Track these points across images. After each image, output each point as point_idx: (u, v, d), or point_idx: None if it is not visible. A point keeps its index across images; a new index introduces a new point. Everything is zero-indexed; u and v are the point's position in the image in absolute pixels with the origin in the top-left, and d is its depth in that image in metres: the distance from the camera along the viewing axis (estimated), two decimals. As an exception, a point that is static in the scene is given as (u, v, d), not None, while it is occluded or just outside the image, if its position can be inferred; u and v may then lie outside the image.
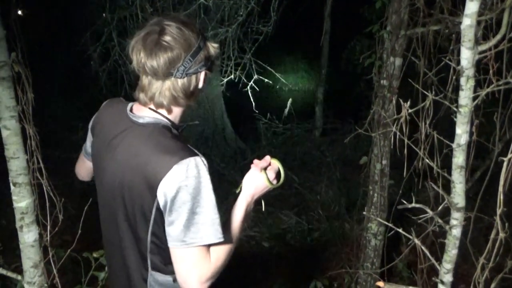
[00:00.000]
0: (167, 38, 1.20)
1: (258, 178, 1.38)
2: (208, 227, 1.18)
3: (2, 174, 1.76)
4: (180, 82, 1.23)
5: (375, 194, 2.95)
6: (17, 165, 1.65)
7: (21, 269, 1.82)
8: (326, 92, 7.66)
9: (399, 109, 2.48)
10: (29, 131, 1.66)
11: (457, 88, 1.53)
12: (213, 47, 1.32)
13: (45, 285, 1.81)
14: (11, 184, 1.68)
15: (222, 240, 1.20)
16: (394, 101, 2.77)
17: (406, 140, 1.37)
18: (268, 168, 1.41)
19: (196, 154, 1.20)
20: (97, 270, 2.23)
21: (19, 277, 1.80)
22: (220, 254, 1.25)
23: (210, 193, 1.19)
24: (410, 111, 1.34)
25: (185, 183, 1.15)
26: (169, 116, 1.29)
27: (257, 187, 1.38)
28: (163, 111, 1.28)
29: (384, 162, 2.89)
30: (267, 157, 1.41)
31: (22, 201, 1.68)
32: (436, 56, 2.54)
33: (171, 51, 1.19)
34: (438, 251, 1.81)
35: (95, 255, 2.23)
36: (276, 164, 1.44)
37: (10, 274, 1.80)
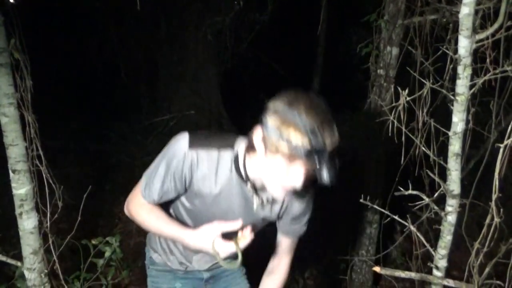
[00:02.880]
0: None
1: (206, 238, 1.29)
2: (145, 179, 1.40)
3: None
4: None
5: (371, 183, 2.98)
6: (16, 152, 1.65)
7: (20, 256, 1.84)
8: (322, 81, 7.65)
9: (396, 98, 2.51)
10: (28, 118, 1.66)
11: (453, 77, 1.54)
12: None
13: (45, 271, 1.83)
14: (10, 171, 1.68)
15: (142, 195, 1.40)
16: (391, 90, 2.78)
17: (403, 129, 1.39)
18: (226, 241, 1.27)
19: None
20: (96, 257, 2.25)
21: (19, 264, 1.82)
22: (137, 207, 1.43)
23: (166, 165, 1.33)
24: (408, 99, 1.35)
25: None
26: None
27: (197, 242, 1.31)
28: None
29: (380, 151, 2.91)
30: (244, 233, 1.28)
31: (21, 188, 1.69)
32: (433, 45, 2.55)
33: None
34: (432, 239, 1.84)
35: (93, 242, 2.25)
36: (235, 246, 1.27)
37: (10, 260, 1.82)
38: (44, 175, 1.73)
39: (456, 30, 2.18)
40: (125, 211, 1.48)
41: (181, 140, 1.32)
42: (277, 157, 1.16)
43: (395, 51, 2.75)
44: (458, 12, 2.20)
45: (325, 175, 1.10)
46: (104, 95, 6.53)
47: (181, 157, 1.30)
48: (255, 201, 1.38)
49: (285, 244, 1.62)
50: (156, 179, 1.36)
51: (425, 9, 2.43)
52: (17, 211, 1.72)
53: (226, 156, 1.34)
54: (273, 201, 1.42)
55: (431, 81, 1.37)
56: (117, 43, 6.34)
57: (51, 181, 1.73)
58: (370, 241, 3.05)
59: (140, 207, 1.42)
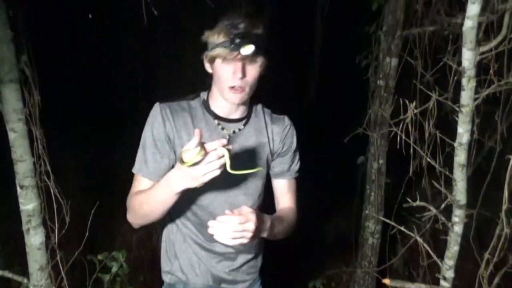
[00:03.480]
0: None
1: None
2: (137, 158, 1.45)
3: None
4: None
5: (372, 193, 3.00)
6: (24, 167, 1.65)
7: (26, 272, 1.82)
8: (318, 91, 7.71)
9: (395, 109, 2.53)
10: (36, 134, 1.66)
11: (457, 88, 1.57)
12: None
13: None
14: (17, 187, 1.68)
15: (134, 172, 1.44)
16: (390, 101, 2.81)
17: (412, 143, 1.41)
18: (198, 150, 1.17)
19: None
20: (102, 272, 2.23)
21: (25, 280, 1.80)
22: (138, 193, 1.41)
23: (145, 132, 1.43)
24: (416, 111, 1.37)
25: None
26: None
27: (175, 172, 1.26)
28: None
29: (381, 161, 2.93)
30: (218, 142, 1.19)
31: (29, 203, 1.68)
32: (432, 56, 2.59)
33: None
34: (430, 249, 1.84)
35: (99, 257, 2.23)
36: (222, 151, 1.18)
37: (15, 277, 1.80)
38: (52, 191, 1.73)
39: (456, 41, 2.23)
40: (127, 215, 1.47)
41: (153, 107, 1.44)
42: (216, 64, 1.34)
43: (394, 62, 2.78)
44: (457, 24, 2.25)
45: (242, 48, 1.25)
46: (100, 109, 6.52)
47: (157, 114, 1.41)
48: (226, 133, 1.46)
49: (283, 186, 1.62)
50: (143, 150, 1.43)
51: (424, 21, 2.47)
52: (24, 227, 1.72)
53: (195, 103, 1.48)
54: (241, 134, 1.49)
55: (437, 93, 1.39)
56: (115, 51, 6.36)
57: (59, 197, 1.73)
58: (372, 252, 3.05)
59: (135, 193, 1.43)
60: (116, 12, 6.04)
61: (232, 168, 1.20)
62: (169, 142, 1.41)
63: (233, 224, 1.20)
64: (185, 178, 1.22)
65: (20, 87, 1.60)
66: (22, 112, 1.61)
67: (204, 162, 1.16)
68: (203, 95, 1.50)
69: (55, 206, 1.73)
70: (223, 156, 1.18)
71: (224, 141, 1.19)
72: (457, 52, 2.23)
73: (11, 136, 1.61)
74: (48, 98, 1.84)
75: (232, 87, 1.35)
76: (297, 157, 1.62)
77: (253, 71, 1.35)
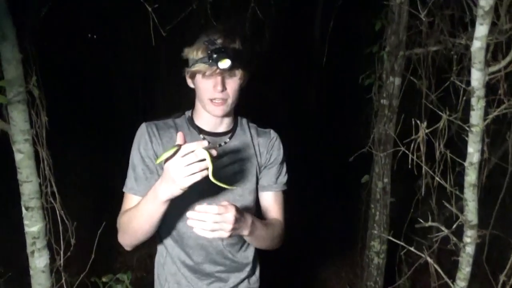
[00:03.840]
0: None
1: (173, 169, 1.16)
2: (127, 177, 1.45)
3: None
4: None
5: (377, 212, 2.98)
6: (29, 189, 1.63)
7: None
8: (316, 111, 7.73)
9: (402, 128, 2.52)
10: (42, 155, 1.65)
11: (465, 108, 1.57)
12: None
13: (56, 311, 1.78)
14: (23, 208, 1.65)
15: (125, 191, 1.44)
16: (394, 120, 2.81)
17: (423, 165, 1.40)
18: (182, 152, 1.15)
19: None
20: (106, 295, 2.19)
21: (29, 304, 1.76)
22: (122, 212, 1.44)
23: (132, 151, 1.44)
24: (427, 131, 1.37)
25: None
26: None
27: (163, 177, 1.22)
28: None
29: (385, 180, 2.92)
30: (197, 143, 1.16)
31: (34, 225, 1.66)
32: (435, 76, 2.60)
33: None
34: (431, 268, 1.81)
35: (104, 279, 2.19)
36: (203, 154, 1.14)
37: (19, 301, 1.76)
38: (58, 212, 1.70)
39: (461, 61, 2.24)
40: (118, 237, 1.48)
41: (140, 127, 1.47)
42: (197, 79, 1.38)
43: (397, 81, 2.80)
44: (461, 44, 2.26)
45: (219, 63, 1.28)
46: (101, 123, 6.52)
47: (144, 132, 1.44)
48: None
49: (269, 198, 1.57)
50: (132, 169, 1.44)
51: (427, 42, 2.49)
52: (29, 249, 1.68)
53: (181, 120, 1.51)
54: (228, 147, 1.49)
55: (447, 112, 1.38)
56: (116, 72, 6.39)
57: (64, 218, 1.70)
58: (378, 272, 3.02)
59: (123, 212, 1.43)
60: (117, 33, 6.09)
61: (215, 176, 1.16)
62: (156, 159, 1.38)
63: (211, 214, 1.18)
64: (167, 183, 1.19)
65: (27, 108, 1.59)
66: (29, 133, 1.60)
67: (183, 163, 1.13)
68: (188, 113, 1.54)
69: (61, 228, 1.70)
70: (204, 160, 1.14)
71: (205, 143, 1.16)
72: (461, 72, 2.25)
73: (18, 157, 1.59)
74: (52, 119, 1.83)
75: (213, 100, 1.38)
76: (284, 169, 1.60)
77: (233, 84, 1.38)
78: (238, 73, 1.38)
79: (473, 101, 1.49)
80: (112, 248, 3.97)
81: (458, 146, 1.89)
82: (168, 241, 1.54)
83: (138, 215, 1.32)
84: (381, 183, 2.92)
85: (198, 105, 1.48)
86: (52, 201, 1.68)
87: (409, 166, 1.43)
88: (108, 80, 6.57)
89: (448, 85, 2.16)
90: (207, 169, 1.15)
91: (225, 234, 1.21)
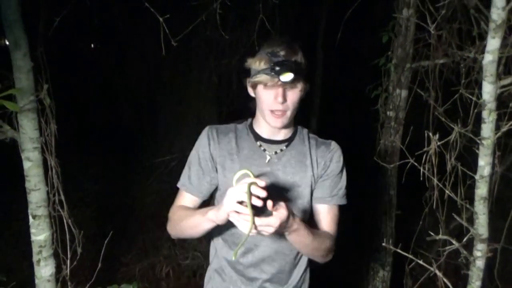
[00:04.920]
0: None
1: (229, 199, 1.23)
2: (182, 173, 1.56)
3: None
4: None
5: (383, 225, 2.96)
6: (37, 197, 1.62)
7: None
8: (320, 122, 7.73)
9: (404, 139, 2.52)
10: (51, 163, 1.64)
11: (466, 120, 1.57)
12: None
13: (61, 322, 1.76)
14: (30, 217, 1.64)
15: (179, 186, 1.55)
16: (401, 132, 2.81)
17: (434, 178, 1.39)
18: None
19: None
20: (110, 304, 2.16)
21: (33, 314, 1.74)
22: (182, 209, 1.51)
23: (193, 150, 1.54)
24: (439, 143, 1.36)
25: None
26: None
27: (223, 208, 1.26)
28: None
29: (391, 192, 2.91)
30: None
31: (40, 234, 1.65)
32: (442, 89, 2.61)
33: None
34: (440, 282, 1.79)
35: (109, 289, 2.17)
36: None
37: (23, 310, 1.74)
38: (65, 221, 1.69)
39: (468, 74, 2.24)
40: (167, 226, 1.56)
41: (204, 129, 1.55)
42: (258, 89, 1.42)
43: (404, 93, 2.81)
44: (469, 57, 2.27)
45: (281, 76, 1.32)
46: (103, 135, 6.53)
47: (204, 135, 1.52)
48: (267, 154, 1.50)
49: (323, 210, 1.55)
50: (188, 167, 1.54)
51: (434, 54, 2.50)
52: (35, 258, 1.67)
53: (242, 126, 1.57)
54: (283, 155, 1.51)
55: (459, 125, 1.38)
56: (120, 83, 6.40)
57: (72, 227, 1.69)
58: (383, 285, 2.99)
59: (177, 207, 1.53)
60: (123, 43, 6.12)
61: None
62: (212, 161, 1.50)
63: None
64: (219, 207, 1.27)
65: (37, 117, 1.58)
66: (38, 141, 1.60)
67: (242, 217, 1.19)
68: (250, 120, 1.59)
69: (68, 237, 1.69)
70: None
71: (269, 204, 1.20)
72: (469, 85, 2.25)
73: (26, 165, 1.59)
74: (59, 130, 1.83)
75: (273, 111, 1.41)
76: (342, 183, 1.56)
77: (293, 95, 1.41)
78: (299, 85, 1.41)
79: (485, 114, 1.49)
80: (114, 259, 3.97)
81: (466, 159, 1.88)
82: (219, 241, 1.60)
83: (189, 220, 1.43)
84: (387, 195, 2.91)
85: (257, 113, 1.53)
86: (60, 209, 1.67)
87: (421, 179, 1.42)
88: (112, 91, 6.60)
89: (455, 98, 2.16)
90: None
91: (271, 230, 1.22)
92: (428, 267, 1.78)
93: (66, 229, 1.71)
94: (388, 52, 2.82)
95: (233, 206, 1.20)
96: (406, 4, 2.67)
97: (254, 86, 1.44)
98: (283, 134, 1.52)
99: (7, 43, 1.50)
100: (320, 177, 1.53)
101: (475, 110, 1.51)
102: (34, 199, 1.62)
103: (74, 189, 5.19)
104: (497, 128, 1.49)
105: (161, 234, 4.11)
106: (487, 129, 1.49)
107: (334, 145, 1.56)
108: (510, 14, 1.43)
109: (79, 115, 6.69)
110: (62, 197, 1.68)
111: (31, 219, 1.64)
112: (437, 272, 1.75)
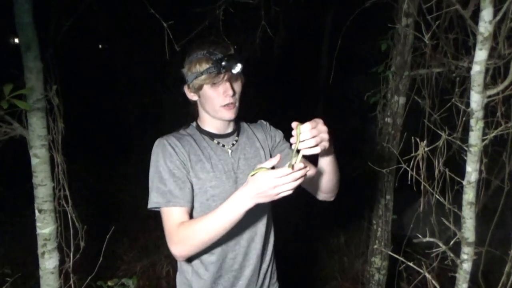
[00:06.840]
0: None
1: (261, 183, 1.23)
2: (160, 197, 1.42)
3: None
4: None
5: (379, 229, 3.02)
6: (43, 192, 1.70)
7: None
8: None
9: (405, 146, 2.58)
10: (57, 160, 1.72)
11: (467, 128, 1.63)
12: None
13: (63, 312, 1.82)
14: (36, 211, 1.72)
15: (161, 206, 1.42)
16: (398, 138, 2.87)
17: (423, 181, 1.45)
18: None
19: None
20: (111, 299, 2.23)
21: (36, 304, 1.82)
22: (187, 223, 1.39)
23: (157, 168, 1.44)
24: (426, 149, 1.43)
25: None
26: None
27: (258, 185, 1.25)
28: None
29: (388, 197, 2.97)
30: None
31: (46, 227, 1.72)
32: (438, 96, 2.67)
33: None
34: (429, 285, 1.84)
35: (109, 283, 2.24)
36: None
37: (27, 301, 1.82)
38: (69, 215, 1.77)
39: (462, 83, 2.31)
40: (174, 250, 1.42)
41: (156, 143, 1.51)
42: (205, 90, 1.46)
43: (402, 100, 2.86)
44: (464, 67, 2.33)
45: (232, 68, 1.39)
46: (107, 134, 6.60)
47: (165, 146, 1.47)
48: (227, 148, 1.56)
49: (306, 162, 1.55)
50: (166, 183, 1.44)
51: (431, 63, 2.56)
52: (40, 250, 1.74)
53: (190, 130, 1.59)
54: (239, 144, 1.59)
55: (446, 132, 1.44)
56: (126, 84, 6.48)
57: (76, 221, 1.76)
58: (378, 288, 3.04)
59: (179, 225, 1.40)
60: (130, 45, 6.20)
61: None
62: (184, 167, 1.47)
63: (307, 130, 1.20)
64: (257, 195, 1.23)
65: (45, 115, 1.66)
66: (46, 138, 1.67)
67: (288, 179, 1.18)
68: (193, 123, 1.63)
69: (71, 231, 1.76)
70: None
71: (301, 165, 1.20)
72: (464, 93, 2.31)
73: (34, 161, 1.67)
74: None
75: (226, 105, 1.48)
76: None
77: (238, 87, 1.50)
78: (240, 77, 1.50)
79: (472, 122, 1.55)
80: (116, 256, 4.03)
81: (460, 164, 1.94)
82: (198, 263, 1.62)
83: (216, 225, 1.32)
84: (384, 199, 2.97)
85: (203, 114, 1.57)
86: (65, 204, 1.75)
87: (408, 183, 1.49)
88: (118, 92, 6.67)
89: (451, 106, 2.22)
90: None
91: (327, 144, 1.25)
92: (419, 269, 1.84)
93: (70, 224, 1.78)
94: (387, 60, 2.88)
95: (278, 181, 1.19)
96: (405, 14, 2.73)
97: (199, 89, 1.48)
98: (231, 127, 1.61)
99: (17, 41, 1.59)
100: (275, 148, 1.67)
101: (463, 119, 1.57)
102: (41, 194, 1.70)
103: (79, 187, 5.26)
104: (485, 136, 1.56)
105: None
106: (475, 137, 1.56)
107: (262, 121, 1.73)
108: (497, 28, 1.50)
109: (86, 115, 6.77)
110: (67, 193, 1.75)
111: (37, 213, 1.72)
112: (426, 274, 1.81)
